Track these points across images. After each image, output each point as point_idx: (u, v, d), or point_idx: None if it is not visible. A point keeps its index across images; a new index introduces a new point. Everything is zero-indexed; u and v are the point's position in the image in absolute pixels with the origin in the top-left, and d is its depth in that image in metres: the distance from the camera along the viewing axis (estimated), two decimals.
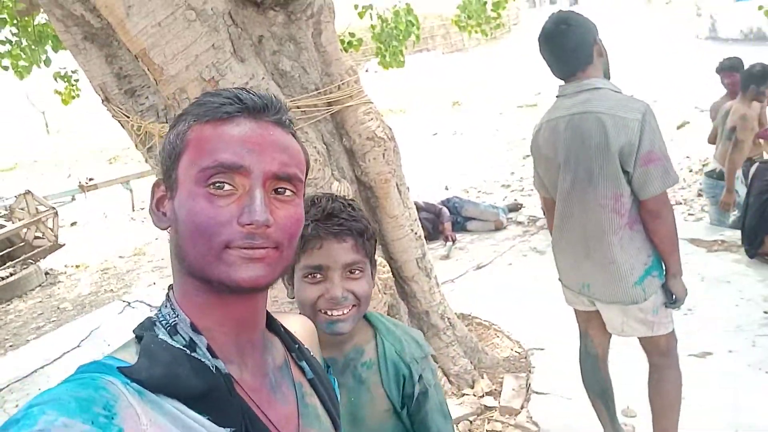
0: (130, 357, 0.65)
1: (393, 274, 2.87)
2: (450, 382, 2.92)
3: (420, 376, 1.19)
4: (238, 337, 0.72)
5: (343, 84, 2.66)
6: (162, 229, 0.72)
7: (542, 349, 3.16)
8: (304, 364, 0.82)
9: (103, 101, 2.65)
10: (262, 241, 0.66)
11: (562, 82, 1.99)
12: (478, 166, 9.06)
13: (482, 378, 2.95)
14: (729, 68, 4.57)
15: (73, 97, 6.86)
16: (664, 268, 1.96)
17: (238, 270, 0.65)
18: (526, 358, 3.11)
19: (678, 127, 8.17)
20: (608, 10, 24.87)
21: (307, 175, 0.76)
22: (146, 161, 2.75)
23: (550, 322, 3.22)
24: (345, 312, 1.10)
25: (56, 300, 6.12)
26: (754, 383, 2.69)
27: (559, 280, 2.20)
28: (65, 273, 7.05)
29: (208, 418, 0.63)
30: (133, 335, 0.69)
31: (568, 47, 1.88)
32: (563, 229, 2.04)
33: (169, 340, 0.67)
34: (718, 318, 3.25)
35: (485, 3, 7.08)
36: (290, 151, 0.71)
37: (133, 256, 7.35)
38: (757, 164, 3.99)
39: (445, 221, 5.38)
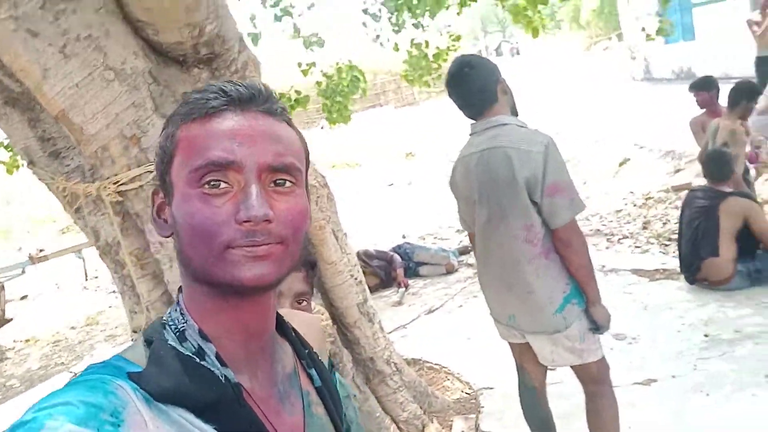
0: (140, 359, 0.64)
1: (334, 321, 2.85)
2: (399, 428, 2.87)
3: (344, 414, 1.18)
4: (248, 344, 0.70)
5: None
6: (165, 237, 0.70)
7: (492, 388, 3.15)
8: (313, 371, 0.79)
9: (28, 165, 2.62)
10: (264, 238, 0.63)
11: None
12: (432, 212, 9.17)
13: (432, 422, 2.91)
14: (700, 87, 4.83)
15: (17, 167, 6.74)
16: (583, 295, 2.00)
17: (242, 269, 0.62)
18: (475, 398, 3.09)
19: (620, 164, 8.46)
20: (551, 57, 26.04)
21: (308, 164, 0.73)
22: (75, 222, 2.71)
23: (499, 359, 3.21)
24: None
25: (3, 377, 5.85)
26: (696, 406, 2.72)
27: (491, 314, 2.22)
28: (14, 349, 6.77)
29: (215, 428, 0.62)
30: (142, 337, 0.69)
31: (474, 88, 1.97)
32: (485, 263, 2.08)
33: (179, 347, 0.66)
34: (661, 345, 3.30)
35: (426, 55, 7.34)
36: (284, 141, 0.68)
37: (85, 327, 7.12)
38: (687, 192, 4.15)
39: (397, 267, 5.41)
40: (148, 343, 0.66)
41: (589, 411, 2.13)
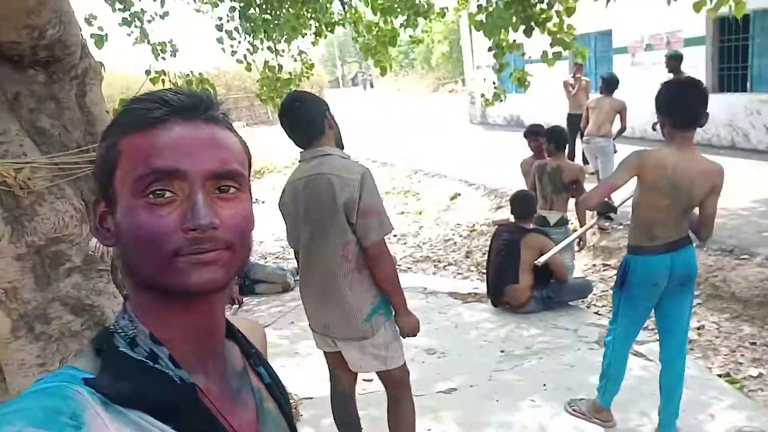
0: (91, 367, 0.62)
1: None
2: None
3: None
4: (199, 345, 0.70)
5: None
6: (108, 246, 0.69)
7: (311, 398, 3.35)
8: (261, 369, 0.80)
9: None
10: (211, 244, 0.63)
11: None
12: (275, 231, 9.26)
13: None
14: (533, 133, 5.48)
15: None
16: (391, 308, 2.30)
17: (191, 275, 0.63)
18: (296, 407, 3.27)
19: (451, 198, 9.23)
20: (402, 95, 27.44)
21: (250, 169, 0.72)
22: None
23: (319, 370, 3.44)
24: None
25: None
26: (487, 411, 3.14)
27: (309, 325, 2.44)
28: None
29: (173, 428, 0.62)
30: (91, 345, 0.66)
31: (303, 121, 2.22)
32: (306, 277, 2.31)
33: (130, 353, 0.65)
34: (464, 358, 3.74)
35: (278, 79, 7.53)
36: (227, 147, 0.67)
37: None
38: (497, 227, 4.74)
39: (232, 284, 5.43)
40: (98, 351, 0.65)
41: (390, 413, 2.43)
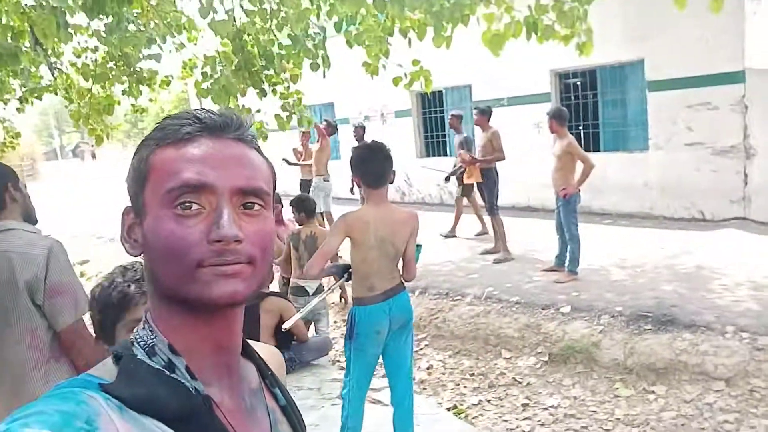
0: (109, 374, 0.64)
1: None
2: None
3: None
4: (216, 358, 0.71)
5: None
6: (134, 256, 0.71)
7: None
8: (277, 391, 0.80)
9: None
10: (234, 257, 0.65)
11: None
12: None
13: None
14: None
15: None
16: None
17: (213, 287, 0.64)
18: None
19: None
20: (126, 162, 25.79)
21: (275, 188, 0.75)
22: None
23: None
24: None
25: None
26: None
27: None
28: None
29: None
30: (111, 354, 0.68)
31: None
32: None
33: (148, 361, 0.66)
34: None
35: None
36: (254, 166, 0.70)
37: None
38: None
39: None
40: (117, 358, 0.66)
41: None
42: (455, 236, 8.28)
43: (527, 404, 4.22)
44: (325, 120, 8.90)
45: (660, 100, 7.88)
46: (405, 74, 5.22)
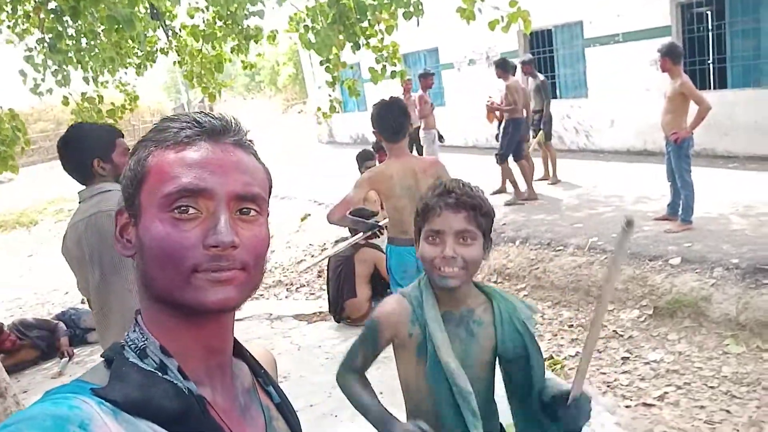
0: (100, 379, 0.63)
1: None
2: None
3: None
4: (208, 361, 0.71)
5: None
6: (127, 257, 0.70)
7: None
8: (270, 388, 0.81)
9: None
10: (229, 263, 0.65)
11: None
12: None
13: None
14: (366, 158, 6.11)
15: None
16: None
17: (207, 293, 0.65)
18: None
19: (302, 219, 9.24)
20: (247, 114, 27.06)
21: (270, 194, 0.76)
22: None
23: None
24: (454, 270, 1.34)
25: None
26: (327, 426, 3.18)
27: None
28: None
29: None
30: (102, 359, 0.67)
31: (72, 162, 2.17)
32: (104, 319, 2.19)
33: (140, 363, 0.65)
34: (306, 379, 3.75)
35: (100, 110, 7.11)
36: (252, 172, 0.71)
37: None
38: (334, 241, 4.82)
39: (61, 336, 5.01)
40: (109, 362, 0.66)
41: None
42: (559, 180, 8.01)
43: (627, 358, 4.10)
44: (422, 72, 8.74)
45: None
46: (502, 17, 5.00)
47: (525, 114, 7.34)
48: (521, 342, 1.43)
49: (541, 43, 10.31)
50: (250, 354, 0.84)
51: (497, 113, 7.49)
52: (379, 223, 3.39)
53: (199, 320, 0.69)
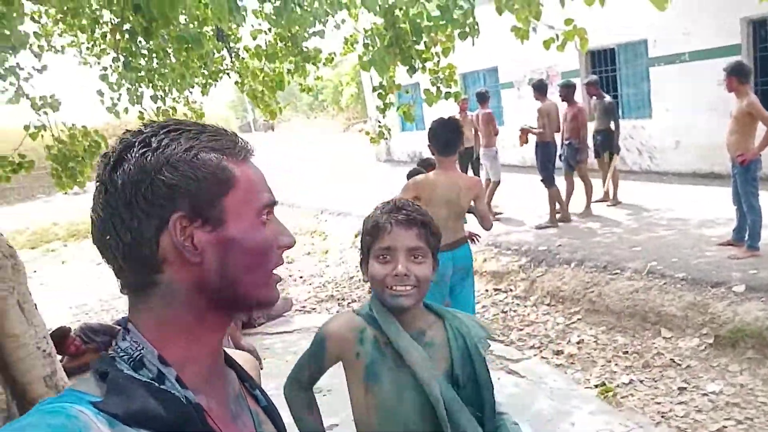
0: (95, 391, 0.64)
1: (16, 397, 2.75)
2: None
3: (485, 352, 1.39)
4: (210, 366, 0.75)
5: None
6: (193, 263, 0.69)
7: None
8: (257, 392, 0.85)
9: None
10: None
11: None
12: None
13: None
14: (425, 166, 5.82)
15: None
16: None
17: (274, 291, 0.76)
18: None
19: (355, 235, 9.33)
20: (313, 136, 27.70)
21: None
22: None
23: None
24: (407, 289, 1.31)
25: None
26: None
27: None
28: None
29: None
30: (93, 371, 0.67)
31: None
32: None
33: (135, 375, 0.66)
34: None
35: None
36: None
37: None
38: None
39: None
40: (102, 375, 0.66)
41: None
42: (620, 202, 7.79)
43: (684, 388, 3.92)
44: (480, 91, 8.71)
45: None
46: (557, 35, 4.96)
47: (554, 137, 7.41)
48: (471, 366, 1.36)
49: (603, 62, 10.11)
50: (235, 361, 0.86)
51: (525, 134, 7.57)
52: None
53: (227, 322, 0.76)
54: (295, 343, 4.82)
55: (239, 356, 0.97)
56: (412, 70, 5.94)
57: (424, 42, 6.00)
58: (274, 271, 0.76)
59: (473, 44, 5.42)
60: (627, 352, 4.56)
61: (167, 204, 0.68)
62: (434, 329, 1.41)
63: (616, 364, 4.42)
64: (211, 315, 0.73)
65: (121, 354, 0.68)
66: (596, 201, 7.74)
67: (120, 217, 0.68)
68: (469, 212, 3.82)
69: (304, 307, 6.90)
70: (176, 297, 0.70)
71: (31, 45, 6.77)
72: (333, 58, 7.74)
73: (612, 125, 7.44)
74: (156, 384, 0.67)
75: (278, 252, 0.75)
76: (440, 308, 1.46)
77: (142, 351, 0.68)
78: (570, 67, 10.36)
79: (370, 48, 6.02)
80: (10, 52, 6.35)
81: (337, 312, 6.54)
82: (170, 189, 0.68)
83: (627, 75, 9.78)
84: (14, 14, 6.04)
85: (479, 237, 4.37)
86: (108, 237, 0.69)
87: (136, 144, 0.69)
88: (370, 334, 1.37)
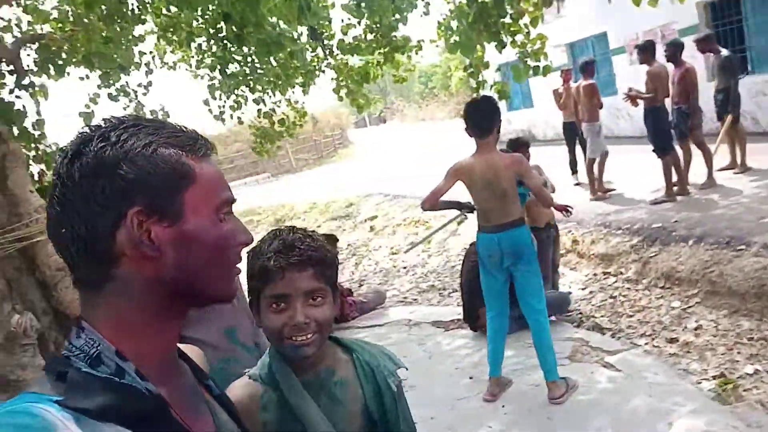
0: (52, 391, 0.63)
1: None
2: None
3: (397, 386, 1.27)
4: (167, 360, 0.77)
5: (32, 221, 2.84)
6: (150, 257, 0.70)
7: None
8: (210, 382, 0.86)
9: None
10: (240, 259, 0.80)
11: None
12: None
13: None
14: (518, 145, 5.61)
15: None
16: None
17: (231, 286, 0.78)
18: None
19: (458, 223, 9.13)
20: (425, 124, 27.63)
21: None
22: None
23: None
24: (308, 337, 1.16)
25: None
26: None
27: None
28: None
29: None
30: (47, 372, 0.67)
31: None
32: None
33: (94, 372, 0.66)
34: (432, 390, 3.66)
35: (273, 124, 7.72)
36: None
37: None
38: (468, 245, 4.66)
39: None
40: (59, 375, 0.65)
41: None
42: (749, 168, 6.92)
43: None
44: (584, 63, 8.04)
45: None
46: None
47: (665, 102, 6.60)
48: (380, 403, 1.23)
49: (726, 12, 9.03)
50: (185, 354, 0.87)
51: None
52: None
53: (184, 314, 0.77)
54: (385, 336, 4.79)
55: (185, 349, 0.93)
56: (500, 45, 5.66)
57: (510, 15, 5.68)
58: (235, 265, 0.78)
59: (558, 11, 5.04)
60: (752, 338, 4.02)
61: (125, 198, 0.68)
62: (343, 367, 1.27)
63: (739, 353, 3.91)
64: (167, 309, 0.73)
65: (77, 352, 0.68)
66: (721, 169, 6.94)
67: (76, 210, 0.68)
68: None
69: (405, 297, 6.85)
70: (133, 291, 0.70)
71: (147, 64, 7.31)
72: (421, 47, 7.58)
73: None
74: (116, 379, 0.66)
75: (236, 249, 0.76)
76: (348, 342, 1.32)
77: (98, 348, 0.68)
78: (687, 23, 9.36)
79: (456, 29, 5.82)
80: (121, 73, 6.89)
81: (438, 303, 6.43)
82: (128, 183, 0.68)
83: (757, 24, 8.65)
84: (122, 39, 6.52)
85: (570, 209, 4.11)
86: (64, 230, 0.69)
87: (95, 138, 0.69)
88: (273, 397, 1.22)
